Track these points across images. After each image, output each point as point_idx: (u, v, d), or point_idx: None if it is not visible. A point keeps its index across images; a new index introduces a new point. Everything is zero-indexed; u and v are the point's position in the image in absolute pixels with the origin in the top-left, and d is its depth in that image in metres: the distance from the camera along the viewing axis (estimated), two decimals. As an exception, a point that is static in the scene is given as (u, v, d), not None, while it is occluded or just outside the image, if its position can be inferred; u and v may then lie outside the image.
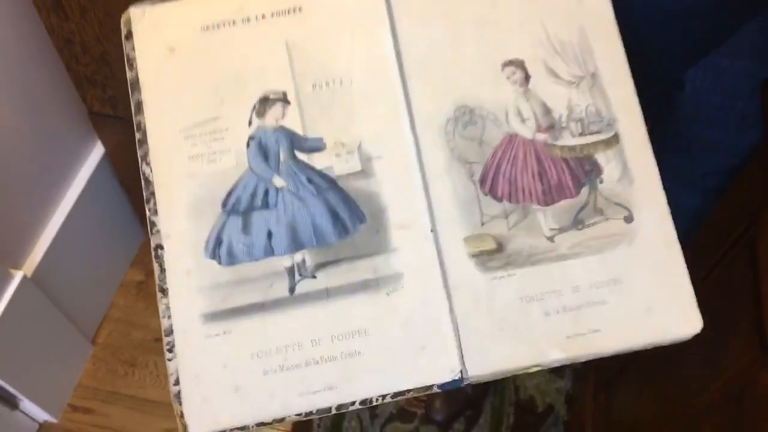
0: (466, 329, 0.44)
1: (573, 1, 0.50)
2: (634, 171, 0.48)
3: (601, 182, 0.47)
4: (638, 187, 0.48)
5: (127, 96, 0.92)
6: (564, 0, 0.50)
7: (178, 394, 0.43)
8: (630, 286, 0.46)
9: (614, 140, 0.48)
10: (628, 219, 0.47)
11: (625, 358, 0.91)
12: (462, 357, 0.43)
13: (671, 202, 0.90)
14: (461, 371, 0.43)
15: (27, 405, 1.11)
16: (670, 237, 0.47)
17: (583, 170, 0.48)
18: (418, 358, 0.43)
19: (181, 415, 0.42)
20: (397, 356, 0.43)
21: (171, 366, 0.43)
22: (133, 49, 0.47)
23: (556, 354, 0.44)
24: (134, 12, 0.47)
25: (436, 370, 0.43)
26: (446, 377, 0.42)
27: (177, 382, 0.43)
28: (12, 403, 1.09)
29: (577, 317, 0.45)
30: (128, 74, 0.47)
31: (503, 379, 1.26)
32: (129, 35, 0.47)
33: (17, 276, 1.01)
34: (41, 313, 1.09)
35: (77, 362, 1.21)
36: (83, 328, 1.21)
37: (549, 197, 0.47)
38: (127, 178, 1.13)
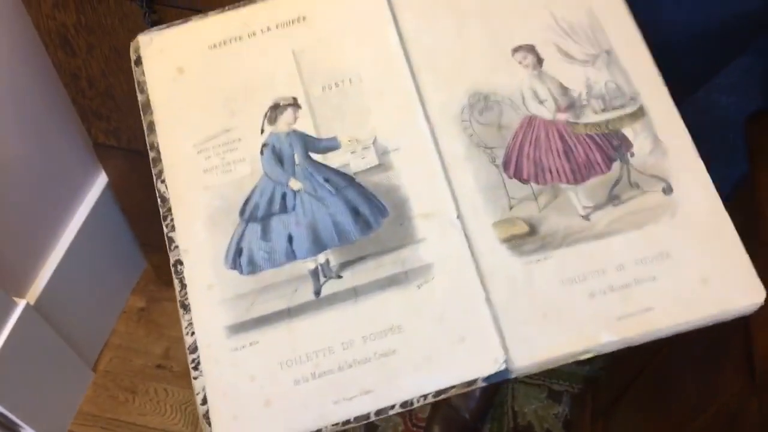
0: (507, 318, 0.40)
1: None
2: (667, 142, 0.46)
3: (633, 156, 0.45)
4: (673, 157, 0.45)
5: (131, 128, 0.94)
6: None
7: (206, 414, 0.40)
8: (680, 260, 0.43)
9: (640, 113, 0.46)
10: (667, 190, 0.44)
11: (621, 384, 0.89)
12: (505, 346, 0.40)
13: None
14: (506, 360, 0.39)
15: (28, 432, 1.08)
16: (716, 205, 0.44)
17: (611, 145, 0.45)
18: (458, 352, 0.40)
19: (211, 436, 0.39)
20: (436, 351, 0.40)
21: (197, 385, 0.41)
22: (143, 73, 0.47)
23: (607, 337, 0.41)
24: (143, 39, 0.48)
25: (478, 363, 0.39)
26: (491, 369, 0.39)
27: (204, 401, 0.40)
28: (13, 430, 1.07)
29: (626, 296, 0.42)
30: (139, 98, 0.47)
31: (501, 405, 1.24)
32: (138, 61, 0.47)
33: (21, 304, 1.02)
34: (43, 341, 1.09)
35: (78, 389, 1.21)
36: (84, 355, 1.21)
37: (578, 175, 0.45)
38: (130, 207, 1.15)
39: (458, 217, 0.42)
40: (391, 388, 0.39)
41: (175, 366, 1.27)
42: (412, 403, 0.39)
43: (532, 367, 0.40)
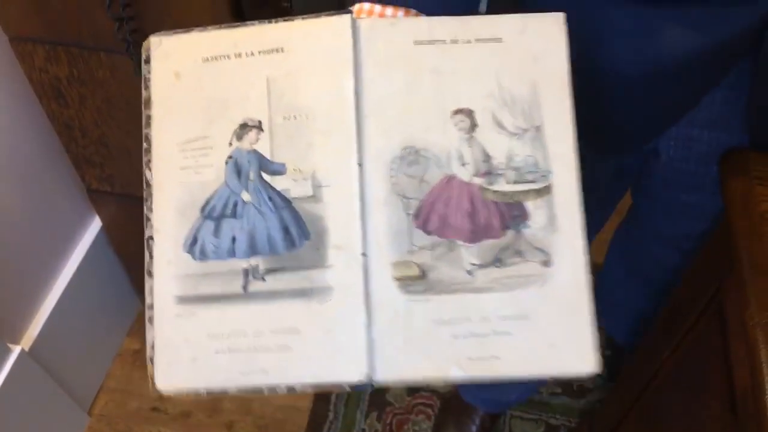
0: (381, 341, 0.52)
1: (529, 59, 0.54)
2: (560, 221, 0.53)
3: (527, 227, 0.53)
4: (561, 236, 0.53)
5: (124, 174, 0.99)
6: (520, 57, 0.54)
7: (152, 357, 0.54)
8: (536, 323, 0.52)
9: (545, 191, 0.53)
10: (546, 263, 0.53)
11: (617, 417, 0.96)
12: (372, 365, 0.51)
13: (655, 259, 0.95)
14: (369, 376, 0.51)
15: (23, 478, 1.12)
16: (583, 284, 0.52)
17: (511, 215, 0.53)
18: (336, 360, 0.52)
19: (151, 375, 0.54)
20: (318, 355, 0.52)
21: (149, 335, 0.54)
22: (149, 72, 0.57)
23: (456, 372, 0.52)
24: (153, 40, 0.57)
25: (348, 372, 0.51)
26: (354, 379, 0.51)
27: (152, 348, 0.54)
28: (9, 475, 1.11)
29: (482, 343, 0.52)
30: (143, 93, 0.57)
31: None
32: (147, 59, 0.57)
33: (15, 351, 1.04)
34: (38, 387, 1.10)
35: (73, 434, 1.23)
36: (79, 399, 1.23)
37: (475, 236, 0.53)
38: (124, 250, 1.17)
39: (364, 254, 0.52)
40: (282, 374, 0.52)
41: (170, 408, 1.28)
42: (294, 389, 0.52)
43: (391, 383, 0.52)
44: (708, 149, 0.76)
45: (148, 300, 0.55)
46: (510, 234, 0.53)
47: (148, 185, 0.56)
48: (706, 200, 0.78)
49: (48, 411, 1.15)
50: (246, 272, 0.53)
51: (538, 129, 0.54)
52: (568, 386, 1.30)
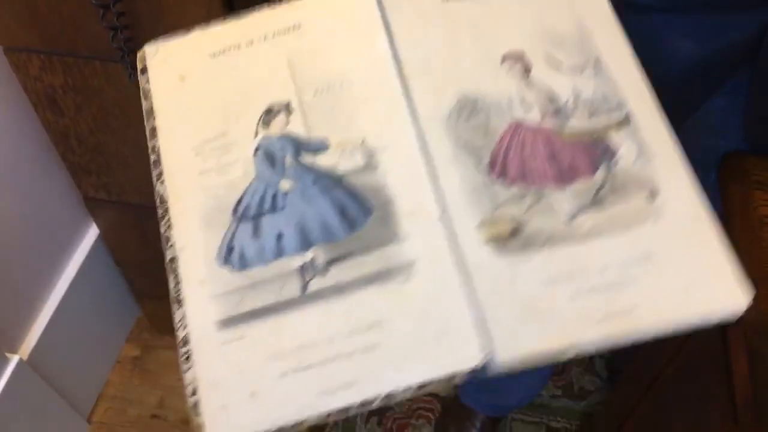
0: (490, 315, 0.41)
1: (567, 1, 0.50)
2: (652, 148, 0.46)
3: (617, 163, 0.46)
4: (658, 164, 0.46)
5: (120, 182, 0.98)
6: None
7: (195, 405, 0.41)
8: (662, 264, 0.43)
9: (626, 121, 0.47)
10: (651, 196, 0.45)
11: (617, 419, 0.91)
12: (487, 342, 0.40)
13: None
14: (486, 356, 0.40)
15: (22, 488, 1.08)
16: (699, 211, 0.45)
17: (597, 151, 0.46)
18: (440, 346, 0.40)
19: (200, 426, 0.41)
20: (417, 345, 0.40)
21: (188, 376, 0.42)
22: (148, 81, 0.49)
23: (590, 335, 0.41)
24: (149, 49, 0.50)
25: (459, 358, 0.40)
26: (471, 363, 0.40)
27: (194, 392, 0.41)
28: (9, 486, 1.08)
29: (609, 297, 0.42)
30: (143, 105, 0.49)
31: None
32: (144, 70, 0.50)
33: (13, 360, 1.02)
34: (37, 396, 1.09)
35: (73, 442, 1.19)
36: (79, 407, 1.21)
37: (563, 179, 0.45)
38: (122, 256, 1.16)
39: (442, 215, 0.43)
40: (374, 381, 0.40)
41: (171, 415, 1.27)
42: (394, 397, 0.40)
43: (515, 363, 0.40)
44: (706, 155, 0.73)
45: (179, 334, 0.43)
46: (602, 171, 0.46)
47: (163, 201, 0.46)
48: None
49: (47, 419, 1.13)
50: (302, 270, 0.43)
51: (596, 61, 0.49)
52: (569, 389, 1.31)
